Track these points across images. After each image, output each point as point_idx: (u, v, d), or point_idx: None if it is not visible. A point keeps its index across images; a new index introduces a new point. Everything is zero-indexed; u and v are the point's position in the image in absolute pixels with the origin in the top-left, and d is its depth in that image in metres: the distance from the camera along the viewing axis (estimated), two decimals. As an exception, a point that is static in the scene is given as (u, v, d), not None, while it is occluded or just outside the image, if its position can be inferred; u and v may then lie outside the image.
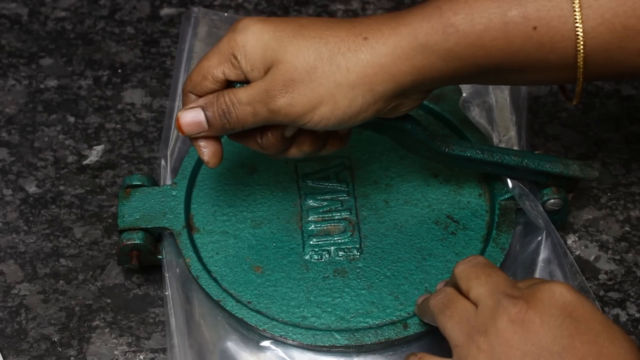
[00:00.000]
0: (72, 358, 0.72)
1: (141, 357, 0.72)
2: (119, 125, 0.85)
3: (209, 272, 0.73)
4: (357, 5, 0.93)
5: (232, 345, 0.71)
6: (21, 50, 0.91)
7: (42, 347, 0.73)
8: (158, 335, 0.73)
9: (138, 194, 0.76)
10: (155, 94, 0.87)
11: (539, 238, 0.73)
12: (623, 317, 0.73)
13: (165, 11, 0.93)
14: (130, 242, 0.73)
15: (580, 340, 0.56)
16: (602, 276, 0.75)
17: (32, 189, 0.81)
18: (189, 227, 0.75)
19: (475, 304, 0.60)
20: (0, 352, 0.72)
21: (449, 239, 0.74)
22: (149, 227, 0.74)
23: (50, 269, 0.77)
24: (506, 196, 0.74)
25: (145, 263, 0.75)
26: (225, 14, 0.89)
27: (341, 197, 0.76)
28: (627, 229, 0.77)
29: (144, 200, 0.75)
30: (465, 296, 0.61)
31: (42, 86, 0.88)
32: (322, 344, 0.69)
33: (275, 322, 0.70)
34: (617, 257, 0.76)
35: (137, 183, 0.77)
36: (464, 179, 0.77)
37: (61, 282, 0.76)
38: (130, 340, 0.73)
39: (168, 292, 0.72)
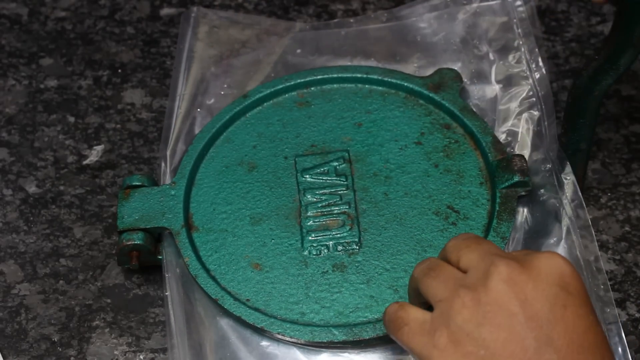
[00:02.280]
0: (72, 358, 0.72)
1: (141, 357, 0.72)
2: (119, 125, 0.85)
3: (207, 270, 0.73)
4: (357, 5, 0.92)
5: (233, 345, 0.71)
6: (21, 50, 0.91)
7: (42, 347, 0.73)
8: (158, 335, 0.73)
9: (137, 194, 0.76)
10: (155, 94, 0.87)
11: (553, 240, 0.73)
12: (623, 317, 0.73)
13: (165, 11, 0.93)
14: (130, 243, 0.73)
15: (572, 312, 0.56)
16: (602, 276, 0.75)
17: (32, 189, 0.81)
18: (188, 226, 0.75)
19: (465, 271, 0.58)
20: (0, 352, 0.72)
21: (449, 230, 0.73)
22: (148, 227, 0.74)
23: (50, 269, 0.77)
24: (507, 184, 0.74)
25: (145, 263, 0.75)
26: (225, 14, 0.89)
27: (340, 191, 0.76)
28: (627, 229, 0.77)
29: (143, 200, 0.75)
30: (455, 267, 0.60)
31: (42, 86, 0.88)
32: (320, 340, 0.69)
33: (273, 320, 0.70)
34: (617, 257, 0.76)
35: (137, 183, 0.77)
36: (465, 167, 0.77)
37: (61, 282, 0.76)
38: (130, 340, 0.73)
39: (168, 293, 0.72)
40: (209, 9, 0.89)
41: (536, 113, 0.79)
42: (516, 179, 0.74)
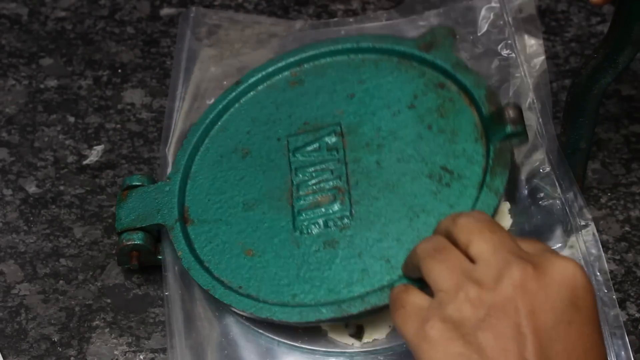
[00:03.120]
0: (72, 358, 0.72)
1: (141, 357, 0.72)
2: (119, 125, 0.85)
3: (201, 262, 0.71)
4: (357, 5, 0.93)
5: (233, 345, 0.71)
6: (21, 50, 0.91)
7: (42, 347, 0.73)
8: (158, 335, 0.73)
9: (134, 194, 0.75)
10: (155, 94, 0.87)
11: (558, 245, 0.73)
12: (623, 317, 0.72)
13: (165, 11, 0.93)
14: (130, 243, 0.73)
15: (576, 330, 0.54)
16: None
17: (32, 189, 0.81)
18: (184, 219, 0.74)
19: (473, 261, 0.56)
20: (0, 352, 0.72)
21: (442, 192, 0.70)
22: (144, 225, 0.73)
23: (50, 269, 0.77)
24: (500, 135, 0.70)
25: (145, 263, 0.75)
26: (225, 14, 0.89)
27: (331, 166, 0.73)
28: (627, 229, 0.77)
29: (139, 200, 0.75)
30: (462, 250, 0.57)
31: (42, 86, 0.88)
32: (308, 320, 0.67)
33: (262, 304, 0.68)
34: (617, 257, 0.76)
35: (137, 183, 0.76)
36: (460, 125, 0.73)
37: (61, 282, 0.76)
38: (130, 340, 0.73)
39: (168, 292, 0.72)
40: (209, 9, 0.89)
41: (535, 112, 0.79)
42: (508, 130, 0.69)
